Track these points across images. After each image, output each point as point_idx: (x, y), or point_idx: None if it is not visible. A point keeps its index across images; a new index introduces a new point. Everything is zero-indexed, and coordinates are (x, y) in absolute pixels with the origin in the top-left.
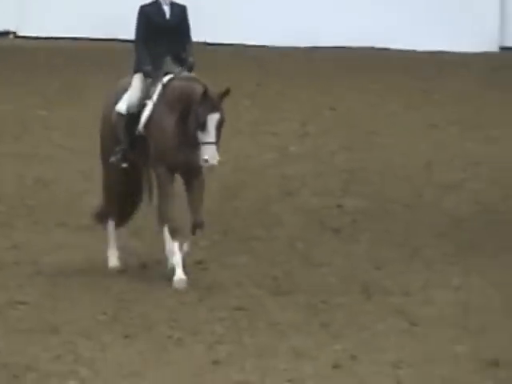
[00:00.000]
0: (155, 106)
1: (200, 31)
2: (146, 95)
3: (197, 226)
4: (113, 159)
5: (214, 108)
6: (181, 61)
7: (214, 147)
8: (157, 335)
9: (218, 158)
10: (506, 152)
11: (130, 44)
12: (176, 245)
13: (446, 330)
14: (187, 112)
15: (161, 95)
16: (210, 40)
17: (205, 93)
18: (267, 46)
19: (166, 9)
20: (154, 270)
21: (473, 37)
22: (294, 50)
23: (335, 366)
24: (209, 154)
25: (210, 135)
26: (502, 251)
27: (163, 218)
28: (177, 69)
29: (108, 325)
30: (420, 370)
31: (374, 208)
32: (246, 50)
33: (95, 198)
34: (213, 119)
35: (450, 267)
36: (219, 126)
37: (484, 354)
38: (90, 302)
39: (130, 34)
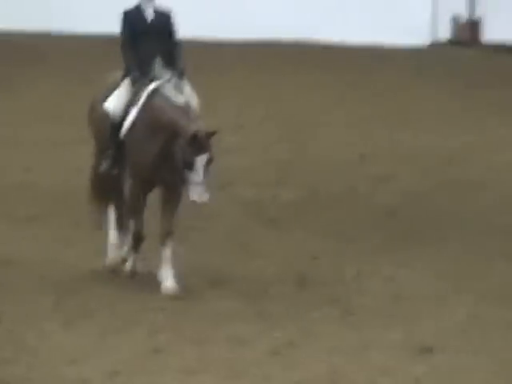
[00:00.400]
0: (139, 114)
1: None
2: (132, 101)
3: (165, 236)
4: (102, 168)
5: (203, 149)
6: (169, 64)
7: (201, 187)
8: (97, 324)
9: (207, 196)
10: (436, 144)
11: (64, 37)
12: (133, 250)
13: (379, 318)
14: (172, 140)
15: (146, 105)
16: None
17: (194, 135)
18: (201, 40)
19: (149, 13)
20: (94, 259)
21: (404, 31)
22: (226, 43)
23: (274, 353)
24: (197, 194)
25: (198, 175)
26: (433, 242)
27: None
28: (166, 74)
29: (50, 313)
30: (355, 356)
31: (308, 199)
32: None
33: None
34: (201, 160)
35: (382, 258)
36: (208, 164)
37: (417, 341)
38: (32, 290)
39: (63, 27)
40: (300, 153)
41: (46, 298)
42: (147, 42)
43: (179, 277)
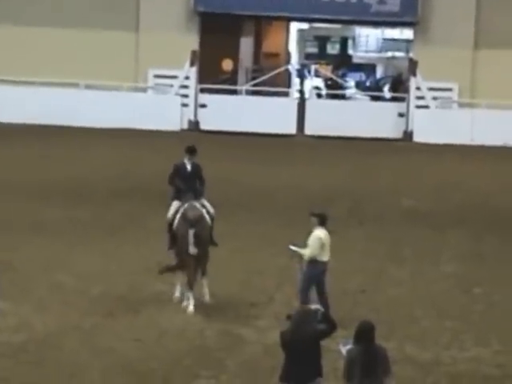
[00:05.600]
0: (179, 218)
1: None
2: (176, 211)
3: (202, 274)
4: (167, 247)
5: (192, 225)
6: (196, 194)
7: (192, 245)
8: None
9: (196, 250)
10: None
11: None
12: (190, 292)
13: None
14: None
15: (181, 215)
16: None
17: (184, 216)
18: None
19: (188, 165)
20: None
21: None
22: None
23: None
24: (191, 249)
25: (191, 239)
26: None
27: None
28: (192, 200)
29: None
30: None
31: None
32: None
33: None
34: (191, 233)
35: None
36: (195, 236)
37: None
38: None
39: None
40: None
41: None
42: (187, 180)
43: None
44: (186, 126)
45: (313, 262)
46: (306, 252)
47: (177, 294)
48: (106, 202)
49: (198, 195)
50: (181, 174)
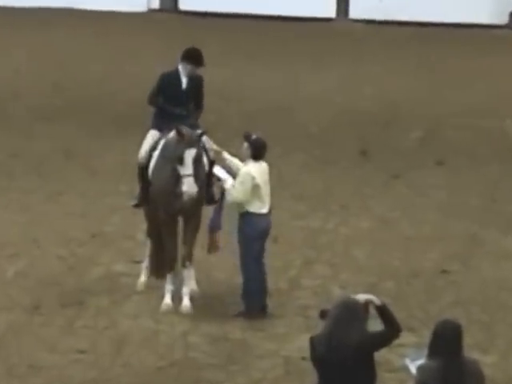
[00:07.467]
0: (158, 157)
1: None
2: (154, 148)
3: (185, 258)
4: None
5: (190, 144)
6: (191, 124)
7: (191, 179)
8: None
9: (195, 188)
10: None
11: None
12: (169, 276)
13: None
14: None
15: (163, 148)
16: None
17: (178, 132)
18: None
19: (184, 79)
20: None
21: None
22: None
23: None
24: (187, 186)
25: (188, 168)
26: None
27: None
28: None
29: None
30: None
31: None
32: None
33: None
34: (189, 154)
35: None
36: (196, 159)
37: None
38: None
39: None
40: None
41: None
42: (178, 102)
43: None
44: (156, 5)
45: (245, 214)
46: (232, 194)
47: (143, 277)
48: (29, 129)
49: (192, 126)
50: (170, 90)
